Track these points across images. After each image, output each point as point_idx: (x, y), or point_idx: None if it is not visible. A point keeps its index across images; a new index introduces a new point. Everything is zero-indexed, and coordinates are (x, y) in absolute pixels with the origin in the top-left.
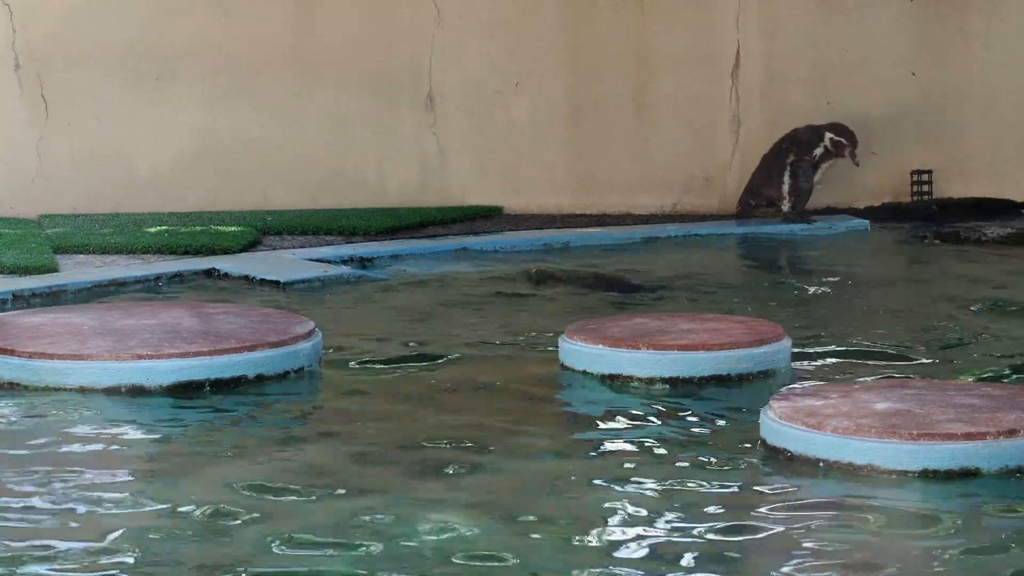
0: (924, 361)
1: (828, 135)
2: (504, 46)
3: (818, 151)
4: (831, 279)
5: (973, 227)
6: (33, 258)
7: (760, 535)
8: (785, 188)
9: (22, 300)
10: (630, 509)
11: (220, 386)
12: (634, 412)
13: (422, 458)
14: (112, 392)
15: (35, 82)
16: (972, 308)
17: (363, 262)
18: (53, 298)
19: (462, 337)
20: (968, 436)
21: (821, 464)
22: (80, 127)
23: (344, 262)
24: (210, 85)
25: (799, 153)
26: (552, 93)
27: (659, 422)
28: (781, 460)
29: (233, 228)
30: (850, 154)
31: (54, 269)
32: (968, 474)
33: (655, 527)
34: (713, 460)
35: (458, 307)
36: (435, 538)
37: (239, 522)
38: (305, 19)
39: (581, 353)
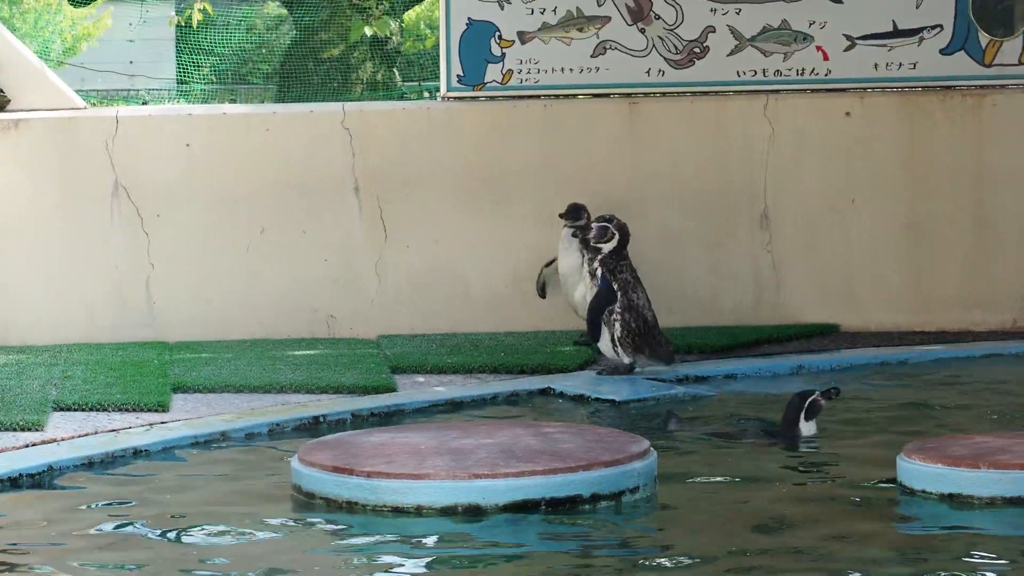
0: None
1: None
2: (839, 163)
3: None
4: None
5: None
6: (372, 378)
7: None
8: None
9: (360, 419)
10: None
11: (556, 505)
12: (975, 532)
13: None
14: (449, 511)
15: (374, 204)
16: None
17: (698, 380)
18: (391, 418)
19: (795, 453)
20: None
21: None
22: (417, 248)
23: (679, 381)
24: (544, 204)
25: None
26: (889, 210)
27: (1000, 544)
28: None
29: (568, 347)
30: None
31: (392, 389)
32: None
33: None
34: None
35: None
36: None
37: None
38: (637, 137)
39: (919, 472)
